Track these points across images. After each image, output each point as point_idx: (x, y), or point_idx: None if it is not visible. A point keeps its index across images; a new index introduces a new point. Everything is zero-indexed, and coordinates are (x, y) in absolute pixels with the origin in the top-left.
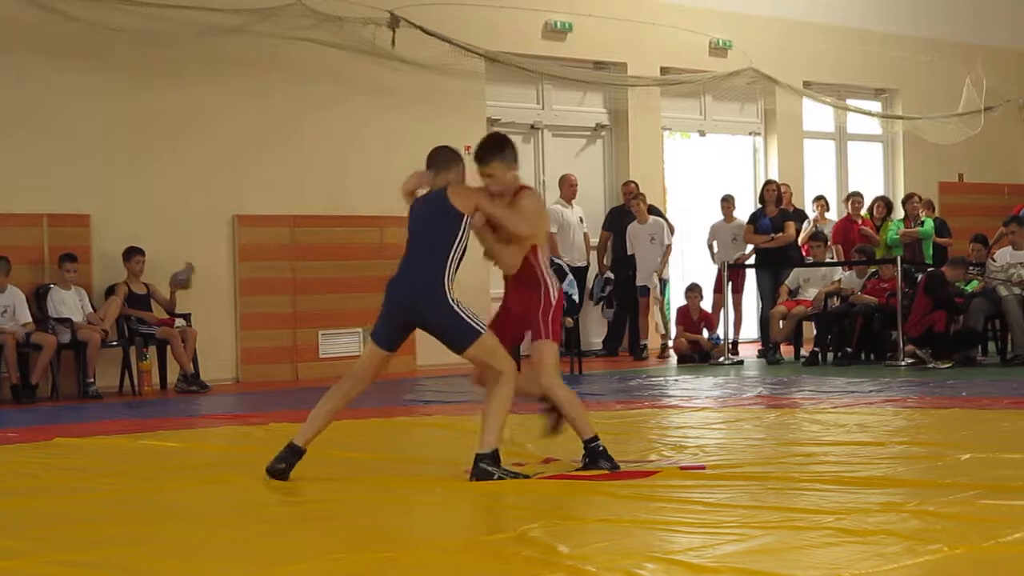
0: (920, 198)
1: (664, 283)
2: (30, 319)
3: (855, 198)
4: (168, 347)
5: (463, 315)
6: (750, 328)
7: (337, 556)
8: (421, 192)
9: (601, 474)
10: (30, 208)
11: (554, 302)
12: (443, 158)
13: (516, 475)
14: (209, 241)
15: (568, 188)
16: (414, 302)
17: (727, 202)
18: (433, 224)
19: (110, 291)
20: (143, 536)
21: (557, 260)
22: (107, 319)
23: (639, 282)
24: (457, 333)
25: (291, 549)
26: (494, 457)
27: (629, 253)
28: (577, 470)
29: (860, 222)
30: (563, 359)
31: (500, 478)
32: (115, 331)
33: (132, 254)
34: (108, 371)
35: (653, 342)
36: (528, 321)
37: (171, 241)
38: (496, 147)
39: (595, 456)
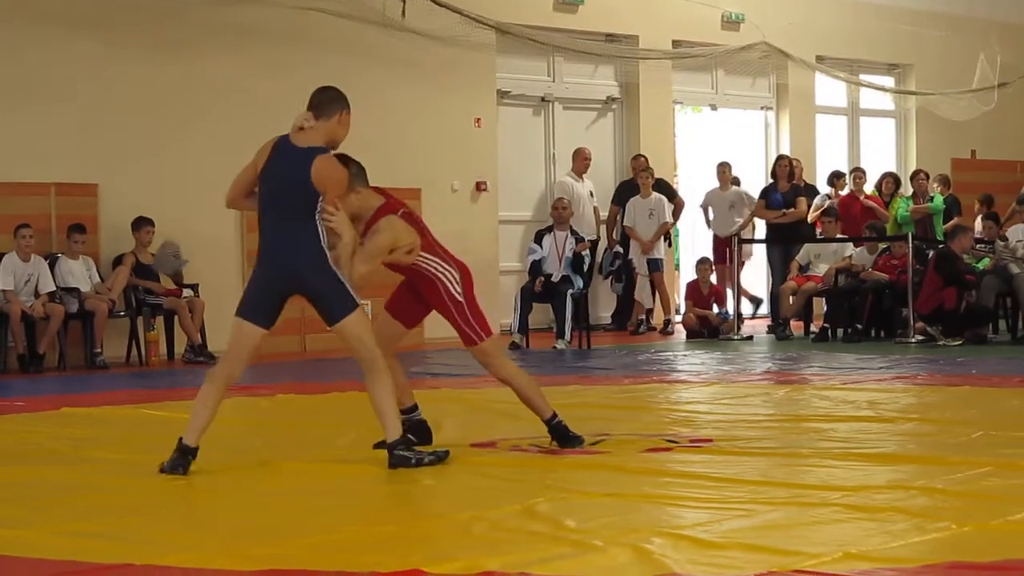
0: (927, 175)
1: (656, 261)
2: (53, 288)
3: (857, 173)
4: (175, 318)
5: (344, 282)
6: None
7: (345, 529)
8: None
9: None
10: (38, 177)
11: (461, 297)
12: (323, 99)
13: (435, 455)
14: (217, 212)
15: (581, 162)
16: (296, 267)
17: (723, 169)
18: (296, 187)
19: (117, 261)
20: (149, 506)
21: (578, 232)
22: (114, 289)
23: (630, 255)
24: (336, 300)
25: (299, 522)
26: (406, 442)
27: (625, 224)
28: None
29: (863, 197)
30: (573, 332)
31: (419, 461)
32: (122, 301)
33: (141, 224)
34: (115, 341)
35: (658, 318)
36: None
37: (178, 211)
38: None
39: (560, 433)
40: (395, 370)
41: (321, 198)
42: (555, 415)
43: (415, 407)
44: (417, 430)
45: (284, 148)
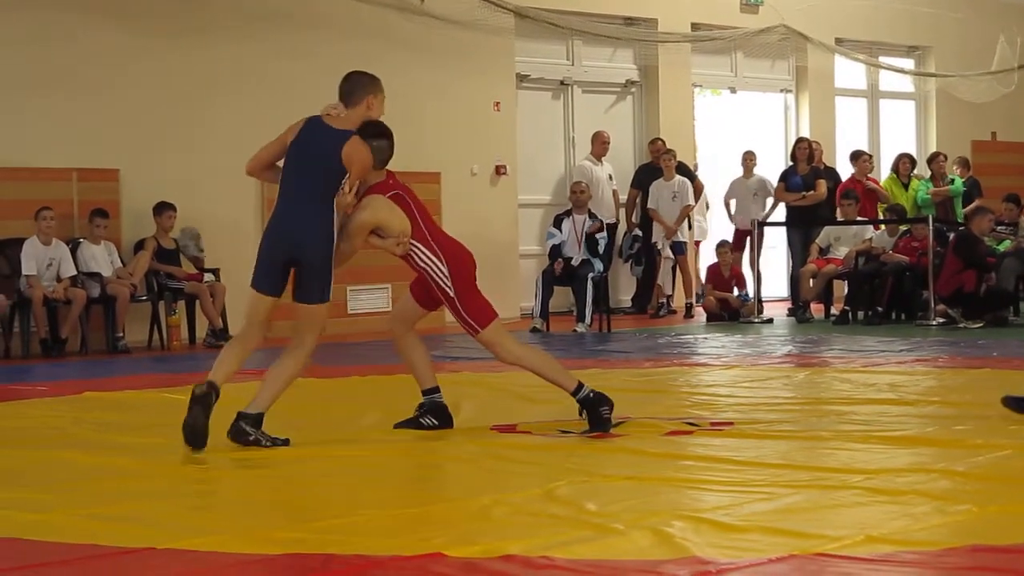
0: (946, 157)
1: (680, 244)
2: (74, 273)
3: (864, 158)
4: (197, 302)
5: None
6: (778, 286)
7: (364, 512)
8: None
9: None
10: (60, 163)
11: (452, 292)
12: (348, 88)
13: (275, 440)
14: (238, 196)
15: (600, 145)
16: (303, 243)
17: (748, 157)
18: (323, 165)
19: (139, 246)
20: (171, 490)
21: (597, 215)
22: (136, 274)
23: (654, 238)
24: (316, 285)
25: (318, 506)
26: (257, 420)
27: (649, 207)
28: (584, 432)
29: (866, 179)
30: (593, 316)
31: (255, 440)
32: (144, 286)
33: (163, 209)
34: (137, 326)
35: (679, 300)
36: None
37: (200, 196)
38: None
39: (590, 405)
40: (416, 348)
41: (345, 178)
42: (581, 386)
43: (437, 388)
44: (437, 411)
45: (317, 126)
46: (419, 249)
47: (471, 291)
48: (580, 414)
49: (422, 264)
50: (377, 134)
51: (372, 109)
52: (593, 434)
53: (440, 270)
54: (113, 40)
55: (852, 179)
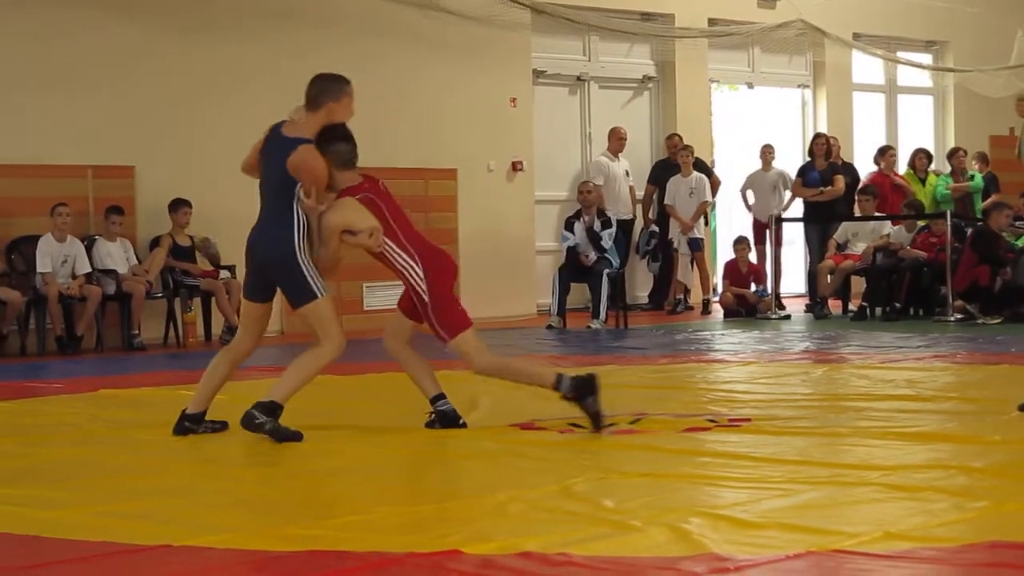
0: (966, 152)
1: (697, 241)
2: (89, 270)
3: (890, 152)
4: (212, 299)
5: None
6: (796, 282)
7: (381, 509)
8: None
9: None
10: (75, 160)
11: (426, 296)
12: (312, 93)
13: (285, 432)
14: (254, 192)
15: (616, 141)
16: (265, 255)
17: (767, 150)
18: (276, 175)
19: (155, 243)
20: (187, 487)
21: (607, 212)
22: (152, 271)
23: (671, 235)
24: (295, 291)
25: (335, 502)
26: (269, 408)
27: (666, 203)
28: (573, 423)
29: (893, 175)
30: (609, 312)
31: (261, 424)
32: (159, 283)
33: (179, 206)
34: (152, 323)
35: (695, 297)
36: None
37: (215, 193)
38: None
39: (570, 390)
40: (413, 360)
41: (299, 186)
42: (560, 377)
43: (442, 395)
44: (446, 419)
45: (276, 135)
46: (392, 249)
47: (447, 299)
48: (561, 396)
49: (398, 266)
50: (333, 138)
51: (334, 115)
52: (596, 430)
53: (415, 273)
54: (129, 36)
55: (880, 174)
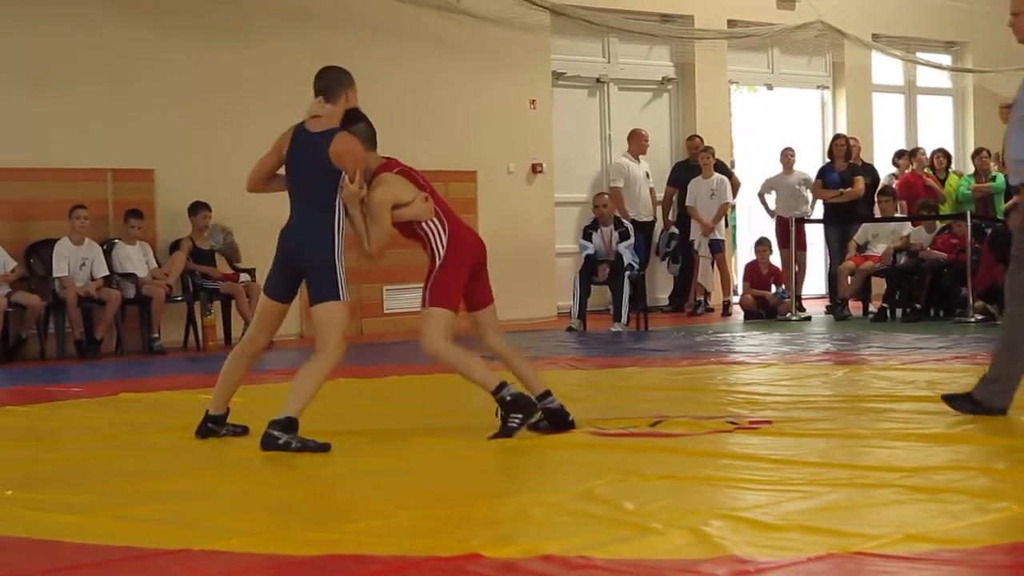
0: (989, 152)
1: (718, 242)
2: (107, 272)
3: (919, 152)
4: (232, 302)
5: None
6: (816, 283)
7: (402, 513)
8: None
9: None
10: (94, 163)
11: (440, 260)
12: (326, 85)
13: (307, 443)
14: (274, 196)
15: (638, 143)
16: (303, 249)
17: (787, 154)
18: (316, 172)
19: (174, 246)
20: (207, 491)
21: (624, 222)
22: (171, 274)
23: (692, 236)
24: (324, 286)
25: (356, 506)
26: (287, 424)
27: (687, 204)
28: (494, 436)
29: (924, 176)
30: (630, 314)
31: (286, 444)
32: (179, 286)
33: (198, 209)
34: (172, 326)
35: (716, 298)
36: None
37: (235, 196)
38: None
39: (505, 407)
40: (513, 358)
41: (343, 176)
42: (502, 386)
43: (548, 393)
44: (553, 416)
45: (303, 137)
46: (430, 220)
47: (454, 274)
48: (496, 414)
49: (428, 231)
50: (352, 120)
51: (349, 102)
52: (496, 437)
53: (440, 240)
54: (148, 40)
55: (913, 174)
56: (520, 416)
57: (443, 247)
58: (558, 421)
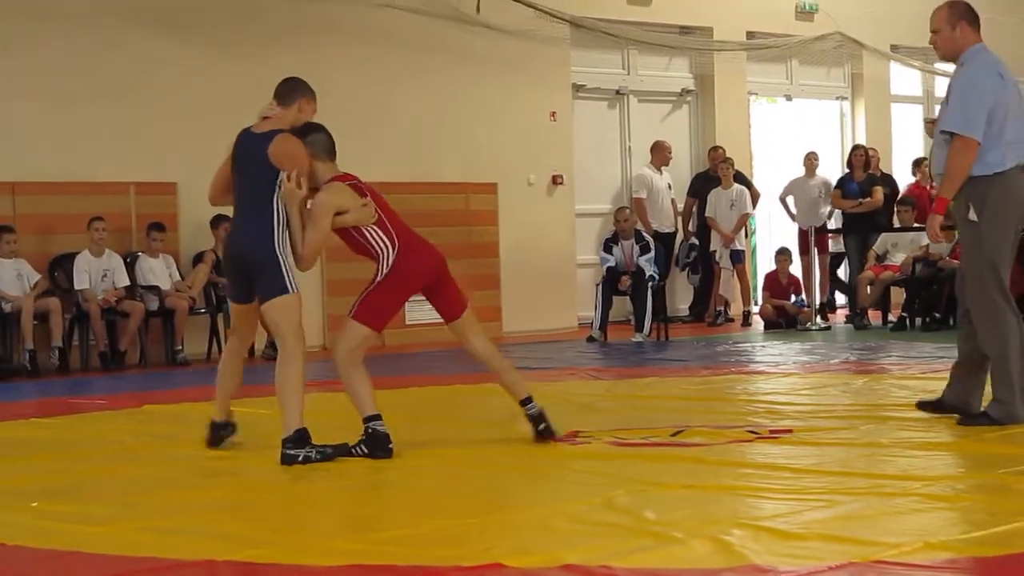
0: None
1: (739, 253)
2: (128, 282)
3: (923, 163)
4: None
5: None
6: (836, 294)
7: (424, 523)
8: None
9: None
10: (117, 176)
11: (380, 277)
12: (284, 90)
13: (325, 451)
14: None
15: (661, 154)
16: (245, 250)
17: (811, 158)
18: (256, 170)
19: (198, 259)
20: (230, 502)
21: (645, 235)
22: (195, 286)
23: (712, 247)
24: (268, 282)
25: (378, 516)
26: (298, 439)
27: (707, 215)
28: (356, 444)
29: (929, 186)
30: (652, 325)
31: (307, 458)
32: (203, 298)
33: (220, 221)
34: (196, 338)
35: (735, 308)
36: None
37: None
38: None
39: (367, 440)
40: (496, 364)
41: (282, 175)
42: (376, 416)
43: (530, 399)
44: (535, 420)
45: (245, 139)
46: (376, 232)
47: (392, 297)
48: (362, 437)
49: (377, 248)
50: (311, 130)
51: (303, 112)
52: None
53: (388, 255)
54: (170, 53)
55: (917, 185)
56: (365, 451)
57: (388, 265)
58: (540, 423)
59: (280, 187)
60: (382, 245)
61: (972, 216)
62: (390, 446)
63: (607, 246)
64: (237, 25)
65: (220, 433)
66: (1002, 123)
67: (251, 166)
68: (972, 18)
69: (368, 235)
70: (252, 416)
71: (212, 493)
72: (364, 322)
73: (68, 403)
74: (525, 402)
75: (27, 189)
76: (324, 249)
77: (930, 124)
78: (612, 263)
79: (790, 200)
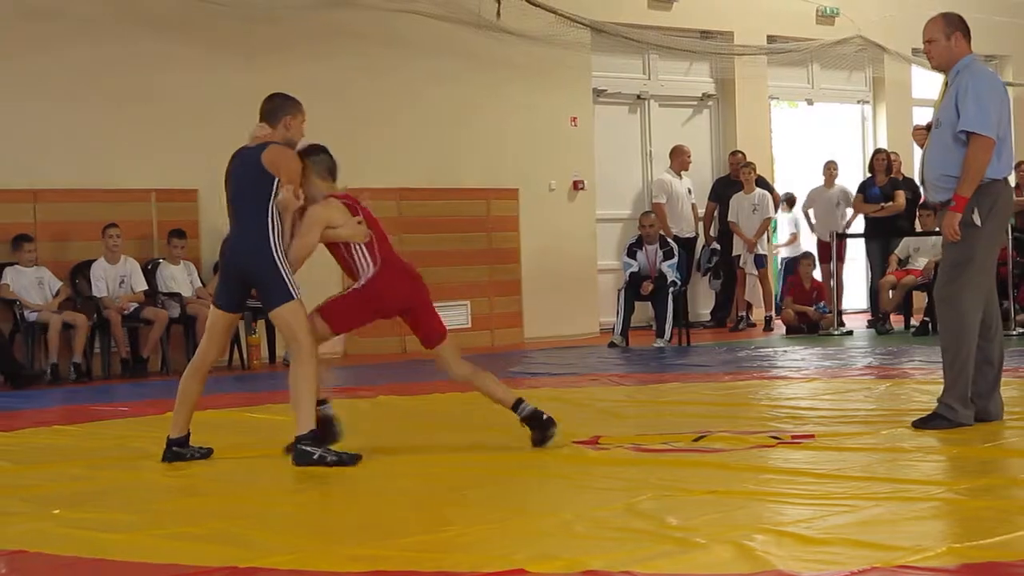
0: None
1: (761, 257)
2: (146, 287)
3: None
4: None
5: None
6: (857, 298)
7: (446, 528)
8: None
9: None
10: (138, 184)
11: (350, 290)
12: (268, 109)
13: (340, 457)
14: None
15: (680, 159)
16: (244, 259)
17: (830, 167)
18: (250, 180)
19: (218, 266)
20: (251, 509)
21: (669, 240)
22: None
23: (735, 251)
24: (272, 289)
25: (400, 522)
26: (312, 438)
27: (729, 220)
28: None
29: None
30: (673, 330)
31: (320, 458)
32: None
33: None
34: None
35: (757, 313)
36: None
37: None
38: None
39: (295, 451)
40: (478, 381)
41: (277, 184)
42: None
43: (521, 400)
44: (531, 419)
45: (238, 154)
46: (362, 252)
47: (360, 310)
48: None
49: (357, 266)
50: (315, 150)
51: (290, 129)
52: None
53: (366, 272)
54: (190, 60)
55: None
56: (332, 458)
57: (361, 283)
58: (535, 423)
59: (276, 194)
60: (364, 264)
61: (976, 220)
62: (323, 461)
63: (631, 251)
64: (259, 33)
65: (175, 450)
66: (1006, 131)
67: (245, 177)
68: (965, 30)
69: (355, 252)
70: (271, 422)
71: (234, 500)
72: (327, 320)
73: (90, 410)
74: (516, 405)
75: (48, 196)
76: (309, 259)
77: (920, 131)
78: (635, 268)
79: (811, 212)
